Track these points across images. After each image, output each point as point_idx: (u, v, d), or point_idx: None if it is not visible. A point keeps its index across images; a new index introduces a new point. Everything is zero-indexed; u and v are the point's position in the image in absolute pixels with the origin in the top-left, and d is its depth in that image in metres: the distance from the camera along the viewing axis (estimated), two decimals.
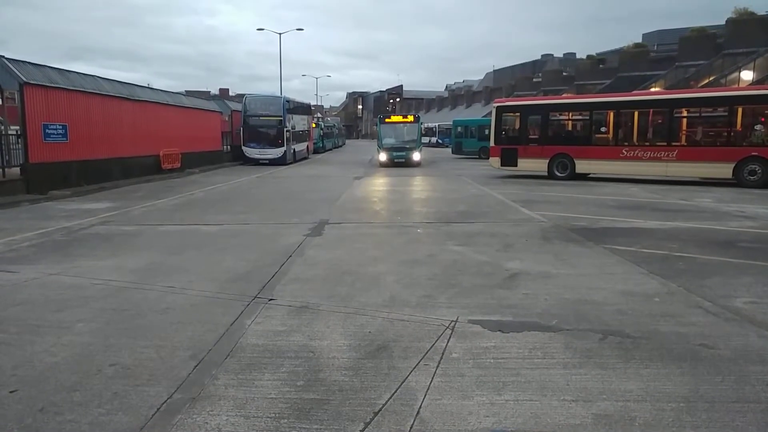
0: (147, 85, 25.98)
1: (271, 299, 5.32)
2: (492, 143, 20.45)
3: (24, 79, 14.88)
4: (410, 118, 28.02)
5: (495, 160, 20.27)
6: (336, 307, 5.07)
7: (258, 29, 43.90)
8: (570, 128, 19.92)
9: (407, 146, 26.57)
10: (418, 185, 17.55)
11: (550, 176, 18.90)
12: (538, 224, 9.63)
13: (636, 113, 18.09)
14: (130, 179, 19.45)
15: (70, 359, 3.95)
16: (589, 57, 53.92)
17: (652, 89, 36.92)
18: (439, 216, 10.66)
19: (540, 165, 19.15)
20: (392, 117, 29.29)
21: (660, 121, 17.88)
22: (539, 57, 77.75)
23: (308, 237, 8.59)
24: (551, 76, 58.28)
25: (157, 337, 4.36)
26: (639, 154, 17.36)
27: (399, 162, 26.02)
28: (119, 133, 19.51)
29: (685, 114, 17.61)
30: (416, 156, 26.50)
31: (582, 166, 18.52)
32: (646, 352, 3.99)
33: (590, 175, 18.98)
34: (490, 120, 21.32)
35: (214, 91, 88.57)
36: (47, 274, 6.39)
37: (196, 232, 9.32)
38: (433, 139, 55.05)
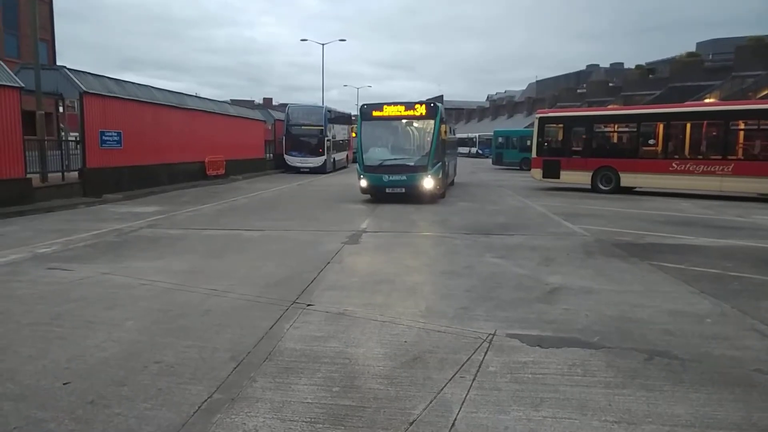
0: (195, 94, 26.92)
1: (309, 305, 5.40)
2: (534, 154, 20.15)
3: (84, 88, 15.70)
4: (420, 108, 14.88)
5: (536, 172, 19.94)
6: (372, 315, 5.10)
7: (301, 40, 44.86)
8: (615, 140, 19.41)
9: (410, 162, 14.55)
10: (457, 195, 17.43)
11: (594, 189, 18.43)
12: (581, 238, 9.41)
13: (689, 125, 17.43)
14: (177, 184, 20.14)
15: (119, 355, 4.12)
16: (638, 67, 52.53)
17: (706, 100, 35.55)
18: (477, 227, 10.56)
19: (583, 177, 18.72)
20: (385, 108, 15.09)
21: (715, 133, 17.17)
22: (584, 67, 76.30)
23: (346, 245, 8.67)
24: (597, 86, 57.01)
25: (199, 337, 4.50)
26: (691, 168, 16.72)
27: (395, 194, 14.66)
28: (168, 140, 20.26)
29: (742, 126, 16.85)
30: (428, 182, 14.29)
31: (627, 179, 17.98)
32: (696, 376, 3.83)
33: (636, 189, 18.41)
34: (532, 131, 21.02)
35: (258, 100, 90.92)
36: (100, 273, 6.69)
37: (238, 237, 9.55)
38: (473, 150, 54.68)
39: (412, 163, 14.55)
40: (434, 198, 14.95)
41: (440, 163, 14.82)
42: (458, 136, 60.72)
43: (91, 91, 16.01)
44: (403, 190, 14.49)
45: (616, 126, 19.28)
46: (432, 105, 14.75)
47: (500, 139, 37.00)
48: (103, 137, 16.51)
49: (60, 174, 15.53)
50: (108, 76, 17.92)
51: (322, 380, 3.71)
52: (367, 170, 14.79)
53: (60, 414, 3.22)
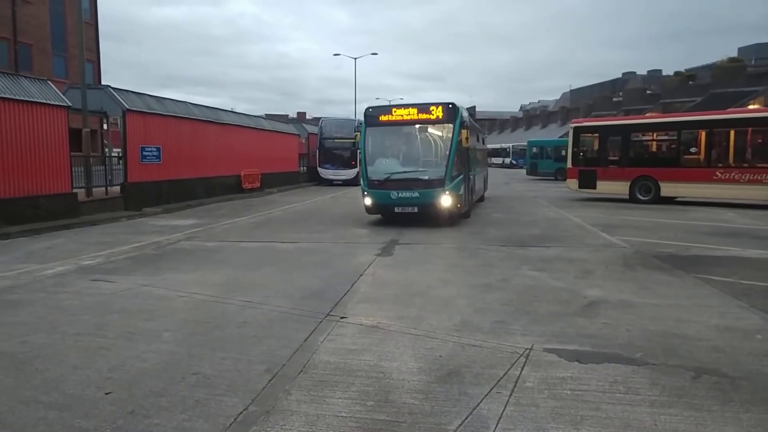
0: (231, 109, 27.59)
1: (343, 317, 5.40)
2: (569, 164, 19.78)
3: (126, 106, 16.31)
4: (436, 111, 12.23)
5: (572, 182, 19.56)
6: (406, 328, 5.06)
7: (334, 54, 45.88)
8: (654, 149, 18.87)
9: (424, 176, 12.03)
10: (491, 206, 17.24)
11: (632, 200, 17.93)
12: (620, 250, 9.14)
13: (733, 132, 16.81)
14: (214, 198, 20.60)
15: (158, 366, 4.20)
16: (677, 73, 51.15)
17: (750, 106, 34.27)
18: (513, 239, 10.40)
19: (621, 188, 18.25)
20: (394, 111, 12.58)
21: (761, 140, 16.51)
22: (620, 75, 74.76)
23: (379, 257, 8.66)
24: (634, 94, 55.75)
25: (235, 349, 4.55)
26: (736, 177, 16.09)
27: (406, 215, 12.28)
28: (205, 154, 20.78)
29: None
30: (446, 200, 11.83)
31: (668, 189, 17.43)
32: (747, 395, 3.64)
33: (677, 199, 17.82)
34: (567, 140, 20.66)
35: (292, 114, 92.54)
36: (140, 285, 6.87)
37: (273, 249, 9.67)
38: (507, 160, 54.19)
39: (425, 177, 11.89)
40: (454, 219, 12.53)
41: (461, 177, 12.30)
42: (491, 146, 60.46)
43: (133, 109, 16.62)
44: (415, 210, 11.94)
45: (655, 134, 18.76)
46: (450, 106, 12.10)
47: (534, 150, 36.56)
48: (144, 152, 17.07)
49: (104, 188, 16.12)
50: (149, 94, 18.57)
51: (357, 394, 3.69)
52: (371, 186, 12.30)
53: (102, 424, 3.30)
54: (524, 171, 38.90)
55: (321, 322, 5.26)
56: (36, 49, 29.44)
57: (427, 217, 12.33)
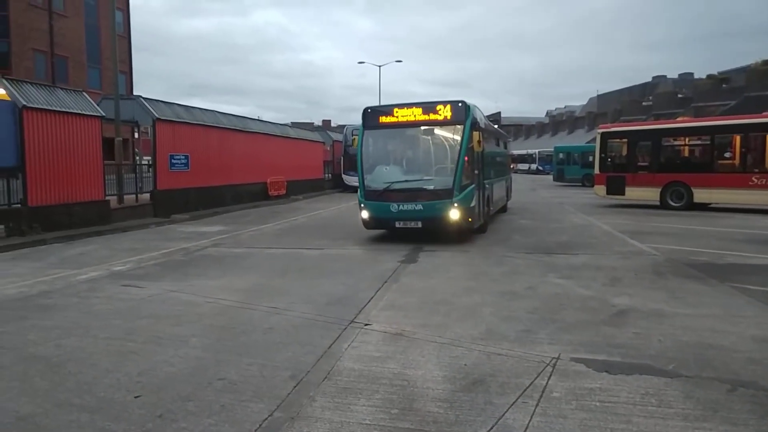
0: (257, 118, 28.03)
1: (367, 324, 5.40)
2: (597, 170, 19.44)
3: (156, 115, 16.73)
4: (443, 110, 10.84)
5: (600, 189, 19.21)
6: (431, 336, 5.02)
7: (359, 62, 46.15)
8: (687, 154, 18.40)
9: (429, 186, 10.64)
10: (518, 212, 17.05)
11: (663, 206, 17.51)
12: (650, 258, 8.92)
13: None
14: (240, 205, 20.90)
15: (186, 371, 4.26)
16: (709, 77, 49.91)
17: None
18: (539, 246, 10.25)
19: (651, 194, 17.84)
20: (396, 112, 11.17)
21: None
22: (650, 79, 73.31)
23: (403, 264, 8.65)
24: (664, 98, 54.58)
25: (261, 355, 4.59)
26: None
27: (408, 230, 10.85)
28: (232, 162, 21.12)
29: None
30: (454, 213, 10.36)
31: (701, 195, 16.96)
32: None
33: (711, 206, 17.32)
34: (594, 146, 20.33)
35: (317, 122, 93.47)
36: (168, 291, 7.00)
37: (299, 255, 9.75)
38: (533, 166, 53.66)
39: (431, 187, 10.44)
40: (464, 234, 11.11)
41: (472, 186, 10.79)
42: (516, 152, 59.99)
43: (162, 118, 17.02)
44: (419, 225, 10.44)
45: (687, 139, 18.30)
46: (460, 104, 10.67)
47: (561, 155, 36.08)
48: (172, 160, 17.45)
49: (134, 196, 16.53)
50: (177, 103, 19.01)
51: (381, 402, 3.68)
52: (368, 197, 10.85)
53: (131, 427, 3.36)
54: (551, 177, 38.42)
55: (345, 328, 5.27)
56: (72, 62, 30.49)
57: (432, 233, 10.98)
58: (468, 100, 10.88)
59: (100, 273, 8.35)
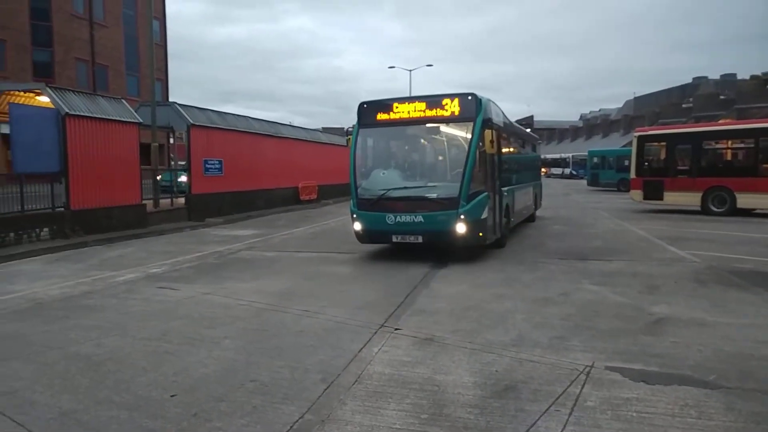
0: (288, 123, 28.43)
1: (397, 329, 5.39)
2: (633, 175, 18.95)
3: (191, 121, 17.15)
4: (451, 105, 9.16)
5: (636, 193, 18.72)
6: (461, 342, 4.99)
7: (389, 67, 46.22)
8: (729, 158, 17.77)
9: (431, 194, 9.04)
10: (551, 217, 16.76)
11: (705, 211, 16.93)
12: (690, 265, 8.64)
13: None
14: (272, 209, 21.21)
15: (219, 372, 4.35)
16: (753, 77, 48.26)
17: None
18: (573, 251, 10.05)
19: (691, 199, 17.28)
20: (396, 107, 9.53)
21: None
22: (690, 80, 71.19)
23: (433, 269, 8.61)
24: (705, 100, 52.95)
25: (292, 358, 4.63)
26: None
27: (408, 245, 9.54)
28: (264, 166, 21.46)
29: None
30: (460, 226, 8.78)
31: (745, 200, 16.33)
32: None
33: (756, 212, 16.67)
34: (631, 150, 19.84)
35: (348, 127, 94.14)
36: (202, 293, 7.15)
37: (329, 259, 9.82)
38: (566, 170, 52.74)
39: (433, 195, 8.89)
40: (473, 249, 9.61)
41: (484, 195, 9.14)
42: (550, 156, 59.05)
43: (196, 124, 17.44)
44: (420, 240, 8.96)
45: (730, 142, 17.68)
46: (470, 98, 9.01)
47: (595, 159, 35.37)
48: (207, 165, 17.84)
49: (169, 200, 16.97)
50: (211, 109, 19.44)
51: (411, 406, 3.67)
52: (361, 206, 9.44)
53: (168, 425, 3.45)
54: (584, 182, 37.68)
55: (375, 333, 5.28)
56: (112, 70, 31.60)
57: (436, 249, 9.70)
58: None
59: (138, 275, 8.59)
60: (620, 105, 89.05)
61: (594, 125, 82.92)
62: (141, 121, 14.85)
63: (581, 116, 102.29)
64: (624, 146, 41.83)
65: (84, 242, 12.02)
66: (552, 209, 19.50)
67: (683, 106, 57.61)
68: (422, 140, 10.22)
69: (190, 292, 7.25)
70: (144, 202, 15.03)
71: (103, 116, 13.41)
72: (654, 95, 74.57)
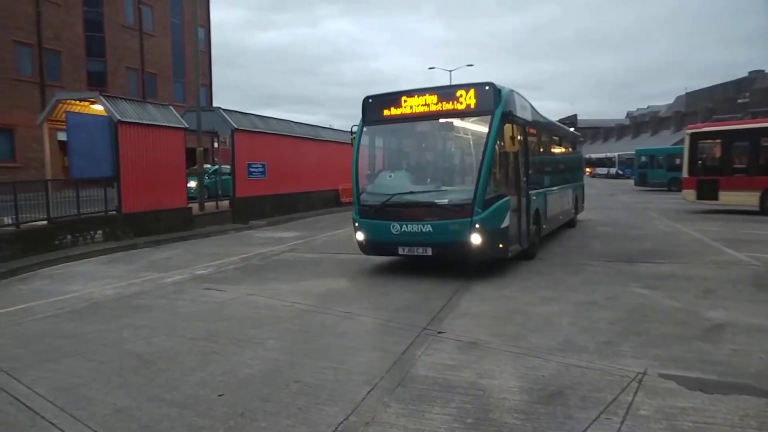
0: (329, 126, 28.71)
1: (440, 332, 5.34)
2: (685, 174, 18.17)
3: (234, 125, 17.57)
4: (466, 97, 8.05)
5: (689, 193, 17.94)
6: (506, 346, 4.89)
7: (429, 68, 46.14)
8: None
9: (441, 199, 7.92)
10: (592, 218, 16.28)
11: (764, 211, 16.05)
12: (749, 268, 8.21)
13: None
14: (314, 211, 21.47)
15: (264, 372, 4.42)
16: None
17: None
18: (620, 254, 9.71)
19: (749, 199, 16.41)
20: (404, 101, 8.47)
21: None
22: (746, 74, 67.81)
23: (475, 271, 8.48)
24: (762, 95, 50.34)
25: (335, 359, 4.66)
26: None
27: (416, 258, 8.42)
28: (305, 169, 21.74)
29: None
30: (475, 237, 7.55)
31: None
32: None
33: None
34: (682, 148, 19.04)
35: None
36: (247, 295, 7.30)
37: (370, 261, 9.84)
38: (612, 170, 51.12)
39: (443, 201, 7.83)
40: (493, 262, 8.36)
41: (506, 200, 8.02)
42: (595, 155, 57.40)
43: (240, 128, 17.85)
44: (430, 252, 7.90)
45: None
46: (487, 88, 7.92)
47: (643, 158, 34.10)
48: (250, 169, 18.24)
49: (214, 203, 17.43)
50: (254, 114, 19.86)
51: (456, 410, 3.62)
52: (363, 213, 8.58)
53: (216, 423, 3.52)
54: (631, 181, 36.43)
55: (418, 335, 5.24)
56: (159, 77, 32.75)
57: (448, 262, 8.57)
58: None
59: (185, 276, 8.85)
60: (670, 101, 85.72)
61: (642, 123, 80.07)
62: (187, 126, 15.32)
63: (628, 114, 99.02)
64: (675, 144, 40.24)
65: (134, 244, 12.49)
66: (597, 210, 18.93)
67: (739, 101, 54.89)
68: (433, 138, 9.07)
69: (235, 293, 7.42)
70: (190, 205, 15.49)
71: (152, 122, 13.90)
72: (707, 90, 71.35)
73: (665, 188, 30.76)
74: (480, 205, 7.55)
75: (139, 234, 13.24)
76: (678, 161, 23.47)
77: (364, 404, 3.75)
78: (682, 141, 19.26)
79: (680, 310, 5.94)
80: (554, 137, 12.66)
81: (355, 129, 9.08)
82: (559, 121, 14.77)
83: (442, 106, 8.20)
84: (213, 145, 22.38)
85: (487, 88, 7.94)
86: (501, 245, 7.90)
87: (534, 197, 9.47)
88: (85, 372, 4.54)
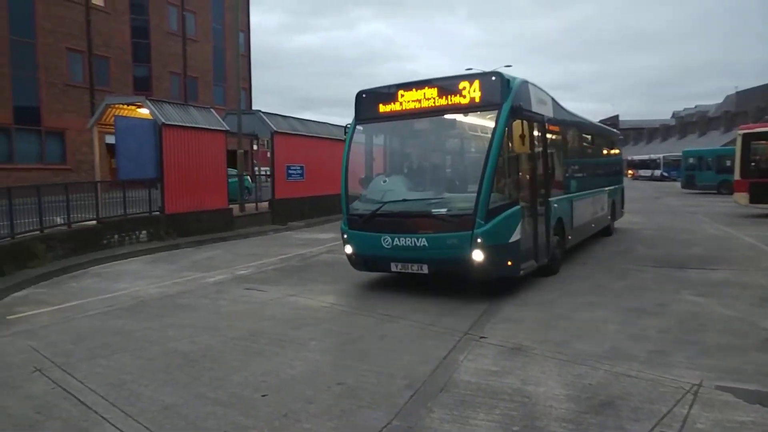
0: None
1: (482, 337, 5.25)
2: (737, 176, 17.36)
3: (274, 128, 17.82)
4: (470, 89, 6.92)
5: (741, 197, 17.13)
6: (550, 352, 4.76)
7: (466, 69, 45.53)
8: None
9: (438, 208, 6.80)
10: (635, 221, 15.74)
11: None
12: None
13: None
14: None
15: (306, 373, 4.43)
16: None
17: None
18: (668, 259, 9.34)
19: None
20: (401, 95, 7.43)
21: None
22: None
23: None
24: None
25: (376, 362, 4.64)
26: None
27: (412, 275, 7.40)
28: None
29: None
30: (477, 253, 6.41)
31: None
32: None
33: None
34: (733, 149, 18.24)
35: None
36: (287, 295, 7.37)
37: None
38: (657, 172, 49.45)
39: (440, 210, 6.77)
40: (499, 280, 7.10)
41: (516, 209, 6.89)
42: (638, 157, 55.65)
43: (279, 131, 18.11)
44: (426, 270, 6.86)
45: None
46: (494, 78, 6.88)
47: (691, 160, 32.79)
48: (289, 171, 18.47)
49: (254, 204, 17.73)
50: (293, 116, 20.11)
51: (501, 417, 3.54)
52: (352, 223, 7.72)
53: (260, 423, 3.55)
54: (677, 184, 35.13)
55: (459, 340, 5.17)
56: (201, 81, 33.62)
57: (446, 280, 7.51)
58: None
59: (226, 276, 9.01)
60: (719, 101, 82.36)
61: (688, 123, 77.11)
62: (228, 129, 15.64)
63: (673, 114, 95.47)
64: (725, 145, 38.62)
65: (176, 244, 12.81)
66: (640, 213, 18.31)
67: None
68: (433, 137, 8.13)
69: (275, 293, 7.50)
70: (230, 206, 15.79)
71: (195, 125, 14.24)
72: (759, 89, 68.07)
73: (714, 191, 29.52)
74: (482, 216, 6.44)
75: (181, 234, 13.57)
76: (728, 163, 22.48)
77: (406, 408, 3.71)
78: (732, 142, 18.45)
79: (735, 319, 5.67)
80: (585, 136, 11.42)
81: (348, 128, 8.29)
82: (600, 122, 14.27)
83: (443, 101, 7.18)
84: (252, 147, 22.78)
85: (493, 78, 6.89)
86: (509, 262, 6.80)
87: (555, 204, 8.29)
88: (134, 368, 4.66)
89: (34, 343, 5.47)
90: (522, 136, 6.67)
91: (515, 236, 6.84)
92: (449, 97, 7.10)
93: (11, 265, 8.82)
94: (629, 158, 57.24)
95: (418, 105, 7.31)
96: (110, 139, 14.05)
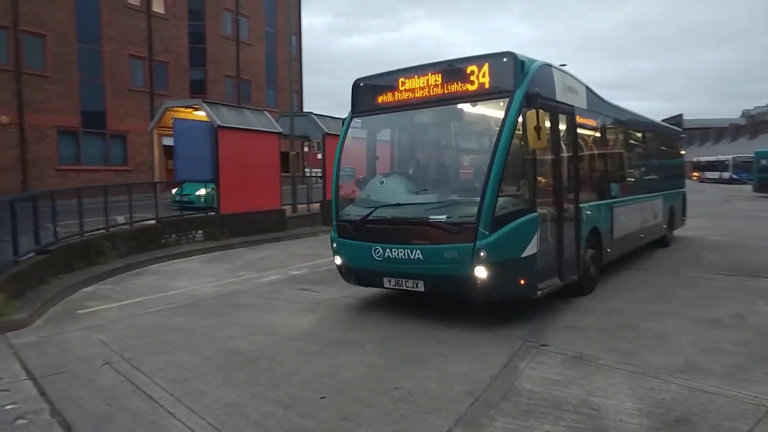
0: None
1: (543, 345, 5.06)
2: None
3: (326, 130, 18.01)
4: (478, 74, 5.81)
5: None
6: (617, 363, 4.53)
7: None
8: None
9: (436, 216, 5.69)
10: (702, 226, 14.90)
11: None
12: None
13: None
14: None
15: (363, 376, 4.40)
16: None
17: None
18: (742, 267, 8.72)
19: None
20: (401, 83, 6.43)
21: None
22: None
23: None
24: None
25: (434, 367, 4.55)
26: None
27: (407, 292, 6.35)
28: None
29: None
30: (480, 270, 5.32)
31: None
32: None
33: None
34: None
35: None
36: (341, 296, 7.39)
37: None
38: (725, 174, 46.81)
39: (438, 217, 5.72)
40: (506, 303, 6.09)
41: (530, 217, 5.74)
42: (704, 158, 52.88)
43: (331, 132, 18.26)
44: (421, 288, 5.85)
45: None
46: (505, 60, 5.76)
47: (764, 161, 30.76)
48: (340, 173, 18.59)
49: (306, 205, 17.98)
50: (343, 118, 20.25)
51: (567, 429, 3.40)
52: (341, 232, 6.75)
53: (320, 425, 3.54)
54: (749, 187, 33.06)
55: (520, 347, 5.00)
56: (254, 84, 34.50)
57: (445, 299, 6.46)
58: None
59: (280, 276, 9.14)
60: None
61: (761, 122, 72.43)
62: (281, 131, 15.91)
63: (743, 112, 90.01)
64: None
65: (231, 244, 13.13)
66: (707, 218, 17.33)
67: None
68: (437, 131, 7.23)
69: (328, 294, 7.53)
70: (283, 207, 16.06)
71: (249, 127, 14.56)
72: None
73: None
74: (486, 225, 5.36)
75: (235, 234, 13.90)
76: None
77: (467, 416, 3.61)
78: None
79: None
80: (633, 133, 10.00)
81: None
82: (663, 121, 13.60)
83: (447, 88, 6.13)
84: (303, 149, 23.13)
85: (505, 60, 5.76)
86: (522, 281, 5.64)
87: (588, 211, 7.08)
88: (195, 366, 4.77)
89: (103, 337, 5.70)
90: (537, 129, 5.42)
91: (530, 249, 5.68)
92: (455, 83, 6.08)
93: (81, 262, 9.27)
94: (694, 160, 54.51)
95: (419, 94, 6.34)
96: (167, 141, 14.58)
